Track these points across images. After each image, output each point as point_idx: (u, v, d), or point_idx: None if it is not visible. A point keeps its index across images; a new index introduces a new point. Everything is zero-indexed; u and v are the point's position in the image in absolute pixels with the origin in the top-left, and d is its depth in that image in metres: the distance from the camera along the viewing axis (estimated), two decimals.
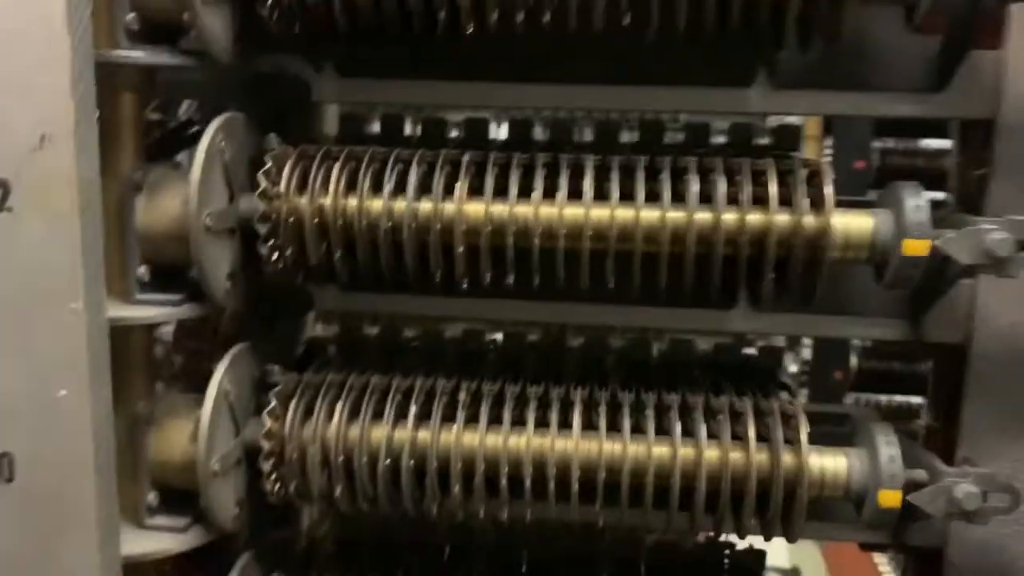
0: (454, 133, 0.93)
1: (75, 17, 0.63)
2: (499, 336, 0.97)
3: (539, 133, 0.94)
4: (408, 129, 0.91)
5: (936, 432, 0.92)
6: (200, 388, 0.88)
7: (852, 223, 0.73)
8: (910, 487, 0.75)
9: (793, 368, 2.44)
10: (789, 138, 0.83)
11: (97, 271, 0.71)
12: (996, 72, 0.80)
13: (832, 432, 0.92)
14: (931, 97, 0.82)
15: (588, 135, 0.90)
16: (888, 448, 0.76)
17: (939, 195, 1.80)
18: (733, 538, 0.90)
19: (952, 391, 0.88)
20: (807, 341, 2.49)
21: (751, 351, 0.95)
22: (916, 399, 2.38)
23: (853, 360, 2.40)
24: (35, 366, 0.69)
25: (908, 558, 1.00)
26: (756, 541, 0.86)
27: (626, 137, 0.90)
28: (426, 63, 0.88)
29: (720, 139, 0.88)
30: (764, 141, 0.89)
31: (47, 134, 0.63)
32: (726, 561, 0.98)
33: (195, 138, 1.09)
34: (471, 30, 0.75)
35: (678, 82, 0.85)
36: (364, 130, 0.89)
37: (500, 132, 1.40)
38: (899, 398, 2.35)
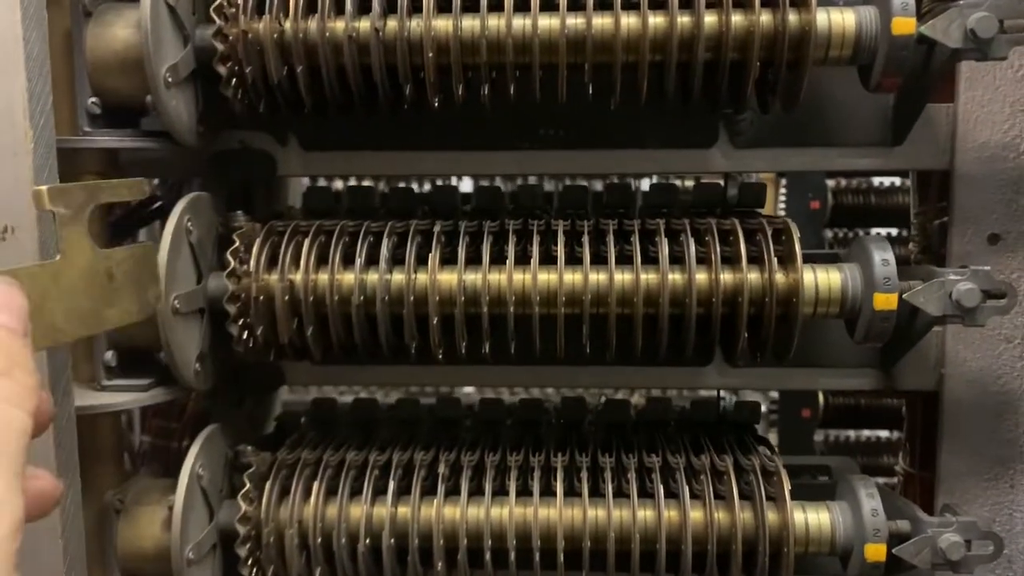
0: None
1: (36, 107, 0.63)
2: (474, 400, 0.96)
3: (505, 186, 0.94)
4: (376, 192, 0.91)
5: (913, 477, 0.93)
6: (168, 469, 0.86)
7: (822, 279, 0.74)
8: (894, 539, 0.75)
9: (763, 408, 2.45)
10: (754, 195, 0.84)
11: (64, 360, 0.69)
12: (949, 125, 0.82)
13: (811, 484, 0.92)
14: (888, 151, 0.84)
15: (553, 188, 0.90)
16: (870, 501, 0.76)
17: (892, 231, 1.85)
18: None
19: (927, 436, 0.89)
20: None
21: (725, 396, 0.95)
22: (884, 433, 2.42)
23: (820, 398, 2.42)
24: None
25: None
26: None
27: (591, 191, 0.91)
28: (390, 134, 0.88)
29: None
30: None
31: (9, 226, 0.62)
32: None
33: (157, 215, 1.09)
34: (437, 103, 0.75)
35: (642, 145, 0.86)
36: (330, 201, 0.89)
37: (464, 184, 1.40)
38: (867, 433, 2.38)
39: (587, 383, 0.90)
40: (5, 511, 0.37)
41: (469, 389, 1.54)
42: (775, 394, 2.59)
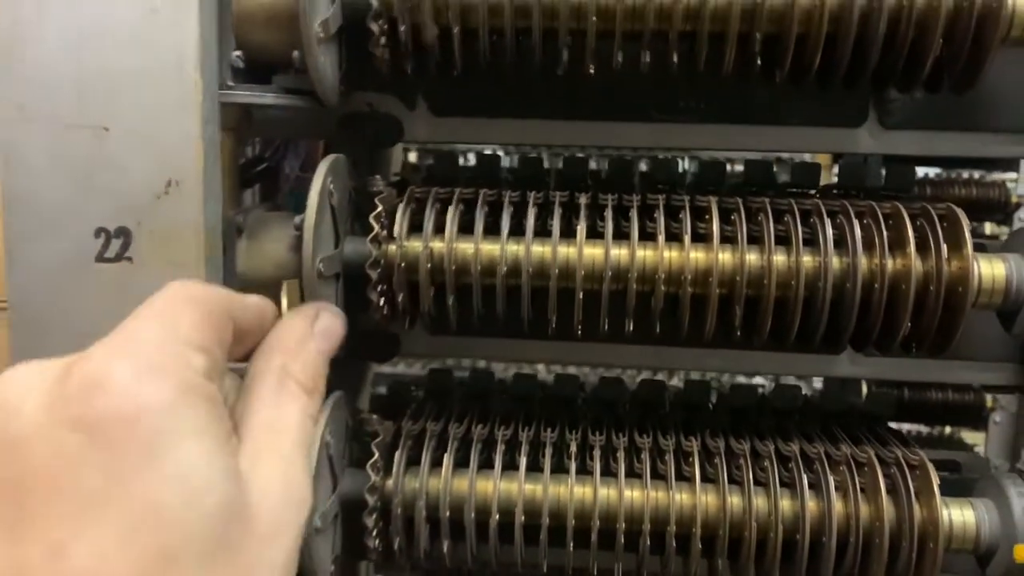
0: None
1: (206, 57, 0.60)
2: (592, 379, 0.94)
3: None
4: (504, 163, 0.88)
5: None
6: None
7: (986, 269, 0.71)
8: None
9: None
10: (902, 179, 0.81)
11: None
12: None
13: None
14: None
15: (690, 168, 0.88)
16: (1022, 500, 0.73)
17: None
18: None
19: None
20: None
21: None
22: (924, 428, 2.41)
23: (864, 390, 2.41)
24: None
25: None
26: None
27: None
28: (521, 102, 0.85)
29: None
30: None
31: (174, 179, 0.60)
32: None
33: (261, 176, 1.07)
34: (592, 71, 0.73)
35: (785, 121, 0.83)
36: (457, 169, 0.86)
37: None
38: (907, 426, 2.38)
39: (715, 367, 0.88)
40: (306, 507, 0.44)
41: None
42: (818, 384, 2.58)
